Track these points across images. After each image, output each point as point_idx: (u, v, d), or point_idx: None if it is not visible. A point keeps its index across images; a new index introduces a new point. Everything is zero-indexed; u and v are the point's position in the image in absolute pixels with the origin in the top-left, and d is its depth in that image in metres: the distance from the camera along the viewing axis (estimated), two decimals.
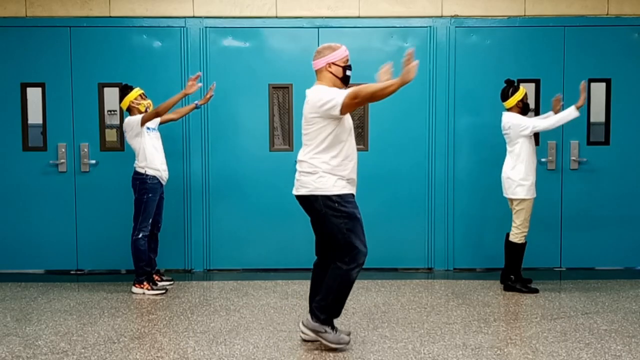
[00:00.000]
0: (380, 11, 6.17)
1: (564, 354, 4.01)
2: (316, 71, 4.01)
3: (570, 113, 5.27)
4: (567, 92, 6.06)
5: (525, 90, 5.45)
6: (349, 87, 3.96)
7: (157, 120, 5.55)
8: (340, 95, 3.81)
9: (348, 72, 3.98)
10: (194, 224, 6.25)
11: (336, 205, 3.89)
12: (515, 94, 5.40)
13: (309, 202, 3.97)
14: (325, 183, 3.89)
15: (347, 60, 3.99)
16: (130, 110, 5.48)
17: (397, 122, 6.19)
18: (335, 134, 3.89)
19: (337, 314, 4.05)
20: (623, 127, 6.20)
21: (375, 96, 3.80)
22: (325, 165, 3.89)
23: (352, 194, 4.00)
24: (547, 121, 5.34)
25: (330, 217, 3.91)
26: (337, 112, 3.81)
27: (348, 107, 3.83)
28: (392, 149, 6.23)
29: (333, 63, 3.93)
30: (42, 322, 4.69)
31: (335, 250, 3.97)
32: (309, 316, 4.08)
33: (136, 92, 5.47)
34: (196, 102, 5.79)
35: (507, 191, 5.46)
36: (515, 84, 5.47)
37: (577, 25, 6.13)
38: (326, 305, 3.98)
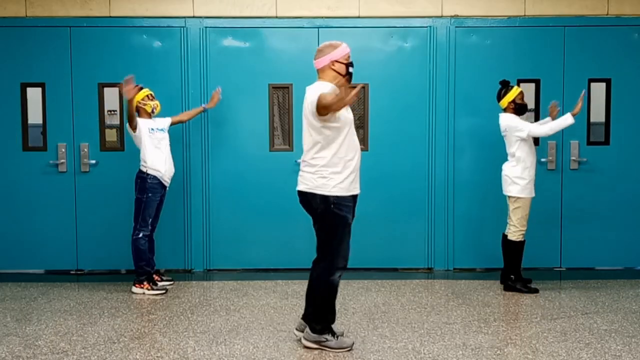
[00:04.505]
0: (380, 11, 6.16)
1: (564, 354, 4.01)
2: (318, 70, 4.01)
3: (566, 119, 5.27)
4: (567, 92, 6.06)
5: (520, 90, 5.43)
6: (351, 84, 3.96)
7: (165, 121, 5.68)
8: (317, 96, 3.79)
9: (351, 69, 3.98)
10: (194, 223, 6.25)
11: (332, 207, 3.89)
12: (507, 95, 5.40)
13: (307, 199, 3.98)
14: (324, 183, 3.88)
15: (349, 57, 3.99)
16: (138, 111, 5.50)
17: (397, 122, 6.19)
18: (333, 131, 3.87)
19: (332, 319, 4.07)
20: (623, 127, 6.19)
21: (326, 109, 3.75)
22: (325, 162, 3.88)
23: (351, 197, 3.98)
24: (543, 128, 5.34)
25: (323, 217, 3.93)
26: (315, 110, 3.81)
27: (320, 109, 3.79)
28: (392, 149, 6.23)
29: (336, 61, 3.94)
30: (42, 322, 4.70)
31: (319, 249, 4.03)
32: (307, 328, 4.09)
33: (143, 92, 5.51)
34: (204, 105, 5.96)
35: (504, 188, 5.48)
36: (510, 85, 5.45)
37: (577, 25, 6.13)
38: (317, 313, 4.03)
